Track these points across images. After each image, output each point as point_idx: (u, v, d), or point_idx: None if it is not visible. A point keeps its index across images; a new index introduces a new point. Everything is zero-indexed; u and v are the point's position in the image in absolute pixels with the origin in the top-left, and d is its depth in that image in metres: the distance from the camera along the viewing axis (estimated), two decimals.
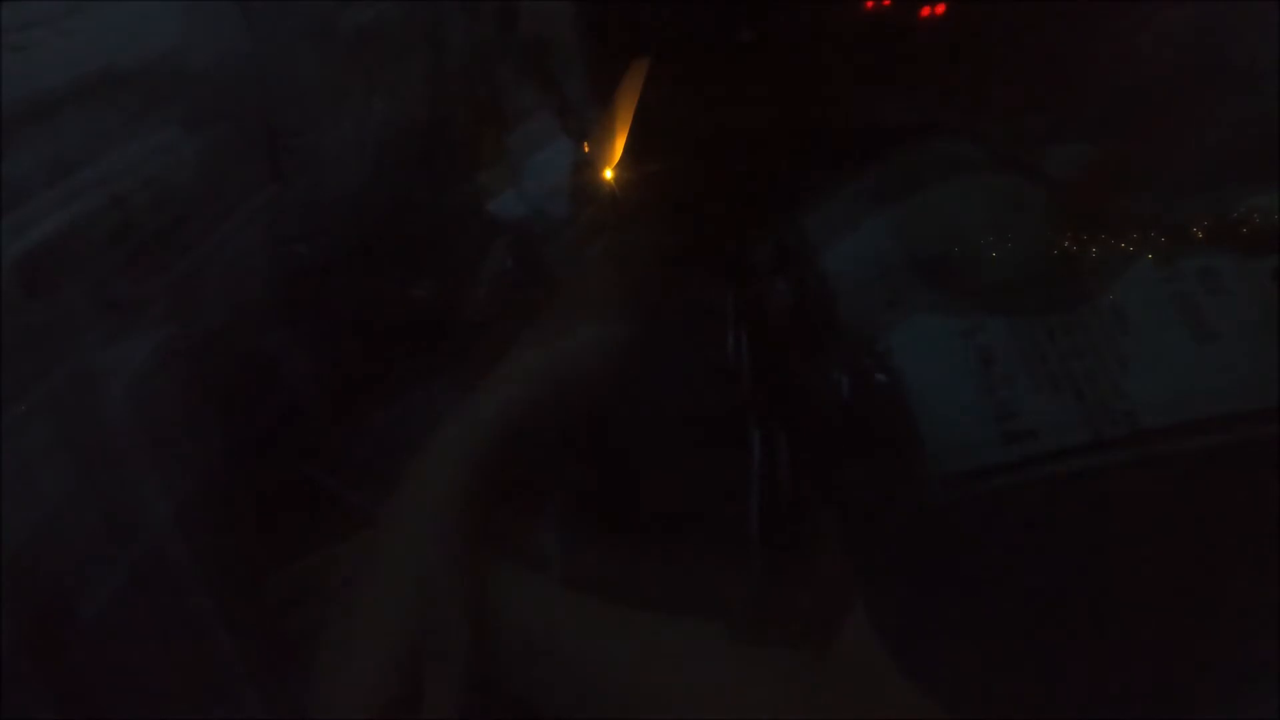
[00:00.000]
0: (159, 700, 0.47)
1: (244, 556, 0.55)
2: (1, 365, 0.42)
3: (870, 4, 0.56)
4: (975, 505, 0.39)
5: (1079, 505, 0.38)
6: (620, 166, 0.63)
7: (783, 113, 0.56)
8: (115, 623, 0.47)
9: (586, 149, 0.68)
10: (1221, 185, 0.43)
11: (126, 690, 0.47)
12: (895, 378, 0.42)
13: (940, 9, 0.54)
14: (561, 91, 0.73)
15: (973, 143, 0.49)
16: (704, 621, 0.48)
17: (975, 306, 0.42)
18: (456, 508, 0.52)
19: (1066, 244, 0.43)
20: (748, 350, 0.51)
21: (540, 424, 0.57)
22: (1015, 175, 0.47)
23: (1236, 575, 0.37)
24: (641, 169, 0.62)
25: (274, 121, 0.67)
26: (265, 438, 0.63)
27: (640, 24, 0.59)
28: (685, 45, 0.58)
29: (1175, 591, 0.38)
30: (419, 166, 0.82)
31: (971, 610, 0.40)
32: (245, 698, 0.50)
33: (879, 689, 0.42)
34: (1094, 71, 0.49)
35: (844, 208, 0.50)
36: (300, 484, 0.63)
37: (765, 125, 0.56)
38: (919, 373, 0.42)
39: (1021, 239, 0.45)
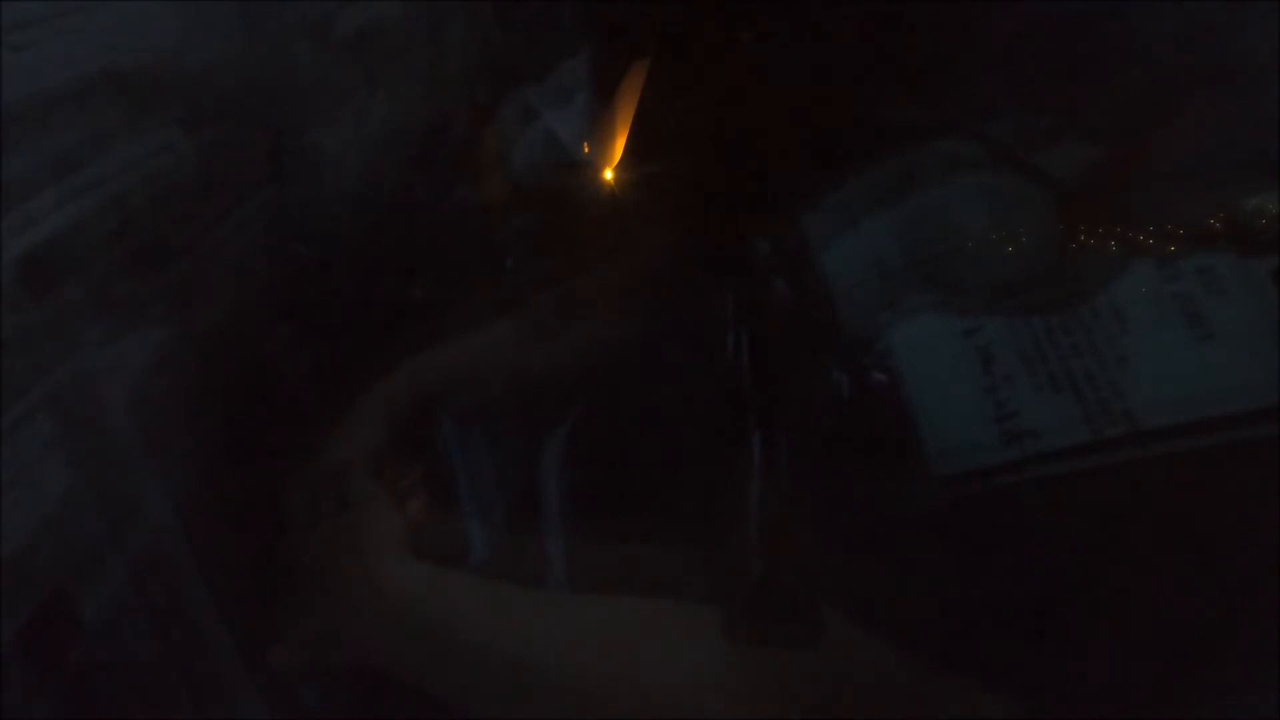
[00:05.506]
0: (158, 700, 0.48)
1: (244, 556, 0.55)
2: (1, 365, 0.42)
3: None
4: (974, 505, 0.39)
5: (1078, 505, 0.38)
6: (620, 166, 0.63)
7: (783, 112, 0.56)
8: (115, 623, 0.47)
9: (586, 149, 0.68)
10: (1221, 185, 0.43)
11: (126, 690, 0.47)
12: (895, 378, 0.42)
13: (939, 9, 0.54)
14: (561, 92, 0.73)
15: (973, 143, 0.49)
16: (703, 620, 0.48)
17: (975, 306, 0.42)
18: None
19: (1066, 244, 0.43)
20: (748, 350, 0.51)
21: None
22: (1015, 175, 0.47)
23: (1236, 575, 0.37)
24: (641, 169, 0.62)
25: (274, 121, 0.67)
26: (264, 437, 0.63)
27: (640, 24, 0.59)
28: (685, 45, 0.58)
29: (1174, 591, 0.38)
30: (419, 166, 0.81)
31: (969, 610, 0.40)
32: (245, 697, 0.50)
33: (874, 685, 0.42)
34: (1094, 71, 0.49)
35: (844, 208, 0.50)
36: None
37: (765, 125, 0.56)
38: (919, 373, 0.42)
39: (1021, 239, 0.45)
